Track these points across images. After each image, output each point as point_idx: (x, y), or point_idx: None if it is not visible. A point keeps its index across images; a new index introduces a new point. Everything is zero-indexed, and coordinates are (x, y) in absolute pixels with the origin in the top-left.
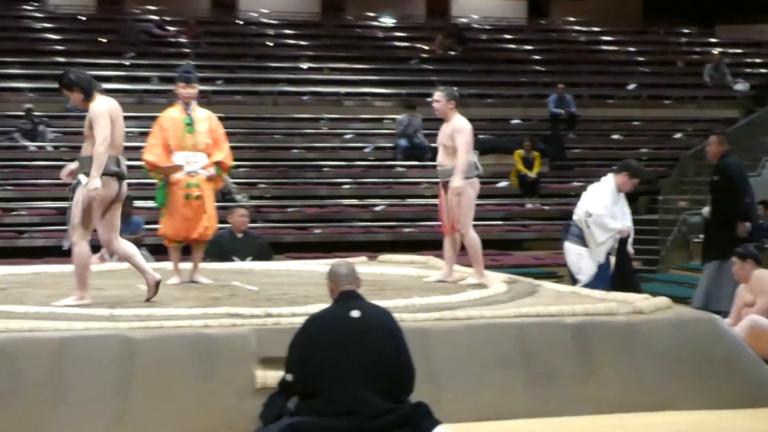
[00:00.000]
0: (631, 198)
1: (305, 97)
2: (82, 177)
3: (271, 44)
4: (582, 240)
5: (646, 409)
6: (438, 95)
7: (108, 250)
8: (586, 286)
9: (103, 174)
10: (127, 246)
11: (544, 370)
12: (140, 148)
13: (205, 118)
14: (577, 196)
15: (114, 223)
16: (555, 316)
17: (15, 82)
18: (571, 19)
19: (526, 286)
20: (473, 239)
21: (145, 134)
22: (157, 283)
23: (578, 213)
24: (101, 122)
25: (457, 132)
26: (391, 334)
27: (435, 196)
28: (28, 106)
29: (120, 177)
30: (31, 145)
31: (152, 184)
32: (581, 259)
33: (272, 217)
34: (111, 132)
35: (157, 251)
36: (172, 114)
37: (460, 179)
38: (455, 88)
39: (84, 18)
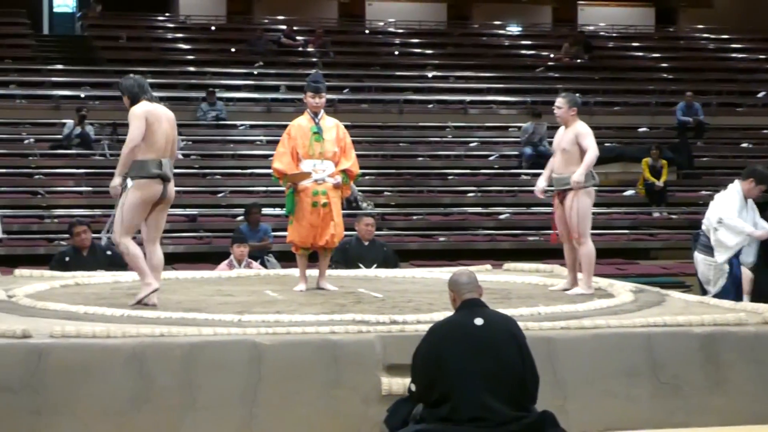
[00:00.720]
0: (761, 207)
1: (431, 106)
2: (129, 181)
3: (397, 53)
4: (712, 250)
5: None
6: (560, 101)
7: (145, 249)
8: (716, 296)
9: (145, 176)
10: (159, 255)
11: (671, 381)
12: (268, 156)
13: (333, 127)
14: (705, 205)
15: (158, 225)
16: (683, 326)
17: None
18: (700, 26)
19: (653, 295)
20: (589, 249)
21: (272, 143)
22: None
23: (707, 222)
24: (132, 124)
25: (581, 135)
26: (515, 341)
27: None
28: None
29: (164, 179)
30: None
31: (280, 192)
32: (711, 270)
33: (397, 224)
34: (149, 135)
35: (285, 258)
36: (301, 123)
37: (583, 175)
38: (577, 95)
39: (214, 28)
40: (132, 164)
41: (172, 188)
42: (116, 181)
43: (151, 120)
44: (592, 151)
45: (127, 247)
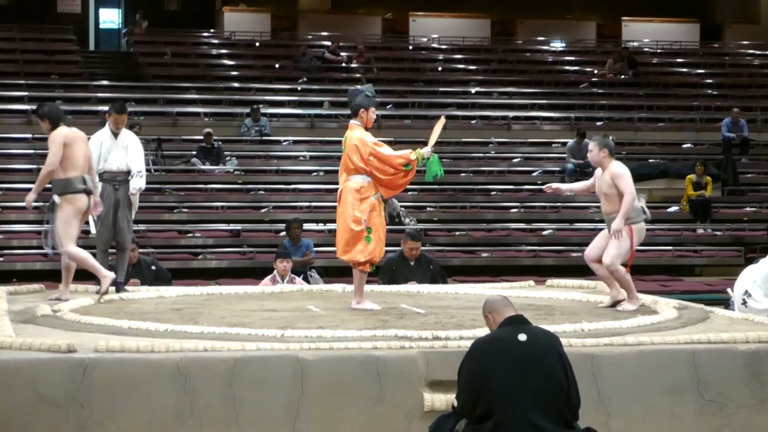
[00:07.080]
0: None
1: (474, 121)
2: (55, 198)
3: (440, 69)
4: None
5: None
6: (591, 145)
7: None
8: None
9: (73, 192)
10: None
11: (716, 398)
12: (311, 171)
13: None
14: (750, 221)
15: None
16: (727, 343)
17: (192, 107)
18: (745, 42)
19: (697, 312)
20: (621, 272)
21: (315, 158)
22: (113, 281)
23: (733, 294)
24: (51, 148)
25: (617, 178)
26: (559, 357)
27: (603, 221)
28: (208, 130)
29: (88, 192)
30: (206, 168)
31: (322, 208)
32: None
33: (440, 240)
34: (70, 156)
35: (327, 273)
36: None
37: (622, 222)
38: (610, 137)
39: (258, 44)
40: (57, 182)
41: (92, 199)
42: (32, 196)
43: (69, 142)
44: (629, 194)
45: (75, 252)
